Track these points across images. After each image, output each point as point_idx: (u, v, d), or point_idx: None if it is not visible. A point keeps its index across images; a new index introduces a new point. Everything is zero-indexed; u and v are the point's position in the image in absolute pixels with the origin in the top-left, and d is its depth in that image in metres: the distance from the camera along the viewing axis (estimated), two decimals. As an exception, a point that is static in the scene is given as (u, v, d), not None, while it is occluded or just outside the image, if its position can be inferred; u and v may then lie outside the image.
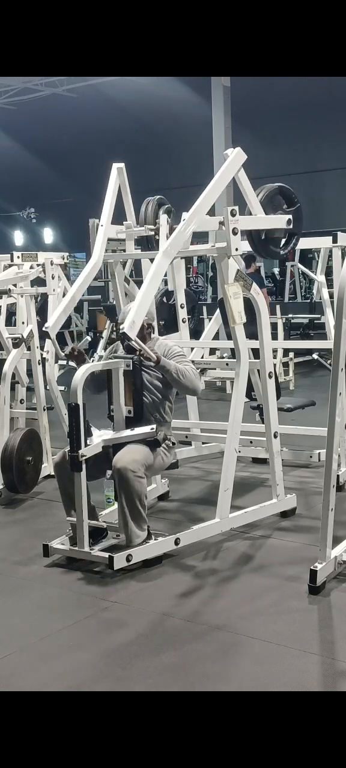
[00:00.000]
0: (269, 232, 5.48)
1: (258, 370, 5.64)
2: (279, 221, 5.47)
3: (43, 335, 7.38)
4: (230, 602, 4.30)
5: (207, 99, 13.51)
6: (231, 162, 5.33)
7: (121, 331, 4.70)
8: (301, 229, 5.70)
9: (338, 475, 5.64)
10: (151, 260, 5.37)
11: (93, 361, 9.98)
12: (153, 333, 5.30)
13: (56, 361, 7.86)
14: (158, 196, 5.99)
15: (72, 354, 5.19)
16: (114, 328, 4.91)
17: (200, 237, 6.34)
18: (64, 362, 11.15)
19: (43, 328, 5.26)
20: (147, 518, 4.84)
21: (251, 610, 4.19)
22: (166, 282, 6.99)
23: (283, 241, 5.64)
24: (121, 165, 5.88)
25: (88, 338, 5.61)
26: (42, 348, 7.14)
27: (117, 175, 5.84)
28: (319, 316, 13.06)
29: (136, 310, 4.72)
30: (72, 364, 5.37)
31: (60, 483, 4.96)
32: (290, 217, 5.49)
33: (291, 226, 5.50)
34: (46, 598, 4.48)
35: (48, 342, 7.41)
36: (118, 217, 5.85)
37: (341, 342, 4.22)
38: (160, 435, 4.95)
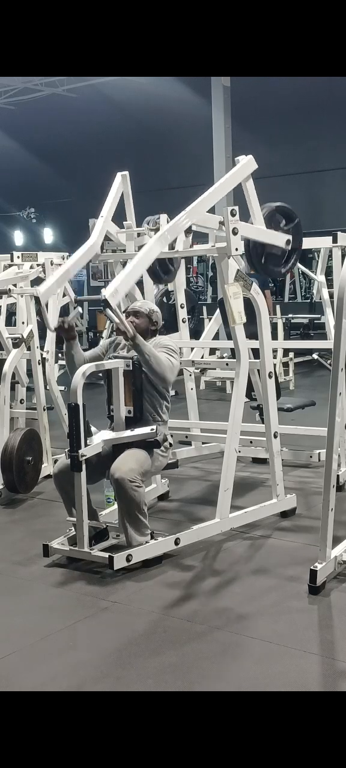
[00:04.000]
0: (268, 251, 5.44)
1: (258, 370, 5.65)
2: (279, 238, 5.45)
3: (43, 335, 7.42)
4: (230, 602, 4.30)
5: (207, 99, 13.50)
6: (241, 167, 5.36)
7: (102, 298, 4.53)
8: (301, 243, 5.67)
9: (338, 475, 5.64)
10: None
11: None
12: (156, 334, 5.26)
13: (56, 361, 7.86)
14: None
15: (62, 327, 5.06)
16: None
17: (200, 237, 6.34)
18: (64, 362, 11.18)
19: (35, 293, 4.94)
20: (149, 523, 4.83)
21: (251, 610, 4.19)
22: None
23: (283, 260, 5.60)
24: (126, 173, 5.89)
25: (79, 309, 5.32)
26: (42, 348, 7.14)
27: (121, 181, 5.85)
28: (319, 316, 13.07)
29: (121, 279, 4.66)
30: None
31: (59, 489, 4.96)
32: (290, 237, 5.48)
33: (290, 247, 5.49)
34: (46, 598, 4.47)
35: (48, 342, 7.42)
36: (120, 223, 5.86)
37: (341, 342, 4.22)
38: (160, 436, 4.94)
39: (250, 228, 5.31)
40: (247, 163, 5.37)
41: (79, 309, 5.26)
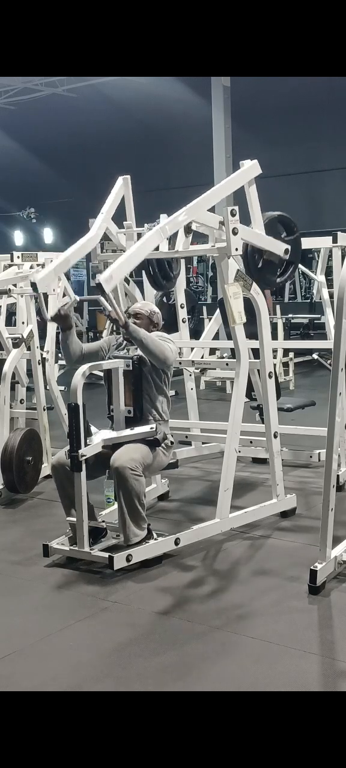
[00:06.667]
0: (265, 259, 5.41)
1: (258, 370, 5.65)
2: (278, 246, 5.43)
3: (43, 335, 7.42)
4: (230, 602, 4.30)
5: (207, 99, 13.50)
6: (245, 171, 5.36)
7: (96, 282, 4.51)
8: (299, 258, 5.64)
9: (338, 475, 5.64)
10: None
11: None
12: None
13: (56, 361, 7.86)
14: None
15: (58, 315, 5.02)
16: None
17: (200, 237, 6.34)
18: (64, 362, 11.18)
19: (31, 280, 4.89)
20: (147, 517, 4.84)
21: (251, 610, 4.19)
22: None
23: (279, 270, 5.56)
24: (127, 177, 5.89)
25: (77, 298, 5.32)
26: (42, 348, 7.14)
27: (122, 184, 5.84)
28: (319, 316, 13.07)
29: (116, 266, 4.65)
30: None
31: (58, 484, 4.96)
32: (288, 247, 5.46)
33: (288, 257, 5.46)
34: (46, 598, 4.47)
35: (48, 342, 7.42)
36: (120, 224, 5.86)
37: (341, 342, 4.22)
38: (160, 435, 4.94)
39: (249, 232, 5.28)
40: (251, 167, 5.37)
41: (77, 298, 5.25)
